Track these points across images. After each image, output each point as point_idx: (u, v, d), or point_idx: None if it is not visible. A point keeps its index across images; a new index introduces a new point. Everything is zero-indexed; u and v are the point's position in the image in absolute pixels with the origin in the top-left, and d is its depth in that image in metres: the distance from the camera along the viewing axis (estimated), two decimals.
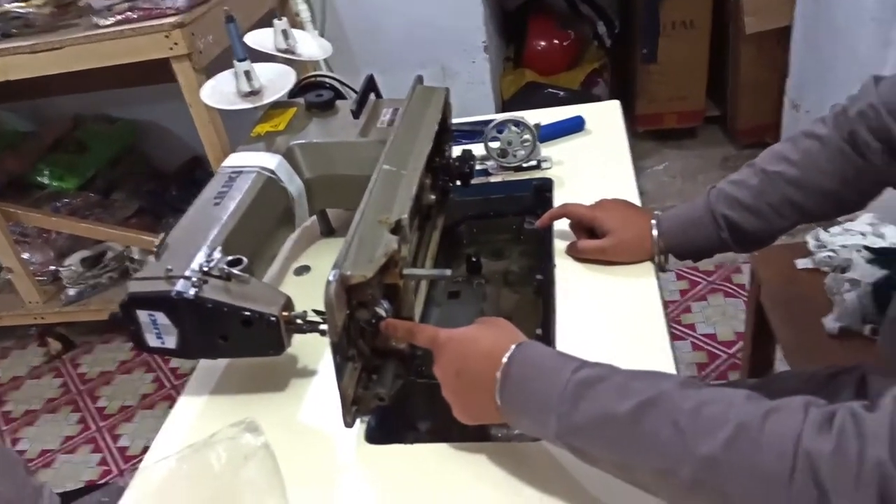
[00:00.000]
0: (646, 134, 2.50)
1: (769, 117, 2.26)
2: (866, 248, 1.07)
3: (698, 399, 0.50)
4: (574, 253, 0.88)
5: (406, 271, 0.69)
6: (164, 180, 2.48)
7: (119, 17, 1.61)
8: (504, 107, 2.29)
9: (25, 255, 2.08)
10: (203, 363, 0.85)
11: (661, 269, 0.85)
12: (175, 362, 2.03)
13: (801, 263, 1.15)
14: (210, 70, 1.64)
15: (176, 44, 1.58)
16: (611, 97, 2.47)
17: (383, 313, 0.68)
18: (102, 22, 1.62)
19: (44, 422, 2.00)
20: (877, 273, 1.01)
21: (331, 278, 0.62)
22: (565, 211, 0.89)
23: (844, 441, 0.43)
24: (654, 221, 0.84)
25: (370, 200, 0.74)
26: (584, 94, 2.29)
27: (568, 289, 0.84)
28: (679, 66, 2.32)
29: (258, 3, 1.87)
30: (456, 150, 1.00)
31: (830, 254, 1.11)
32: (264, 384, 0.80)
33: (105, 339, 2.18)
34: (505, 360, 0.59)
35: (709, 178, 2.33)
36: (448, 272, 0.69)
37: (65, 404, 2.03)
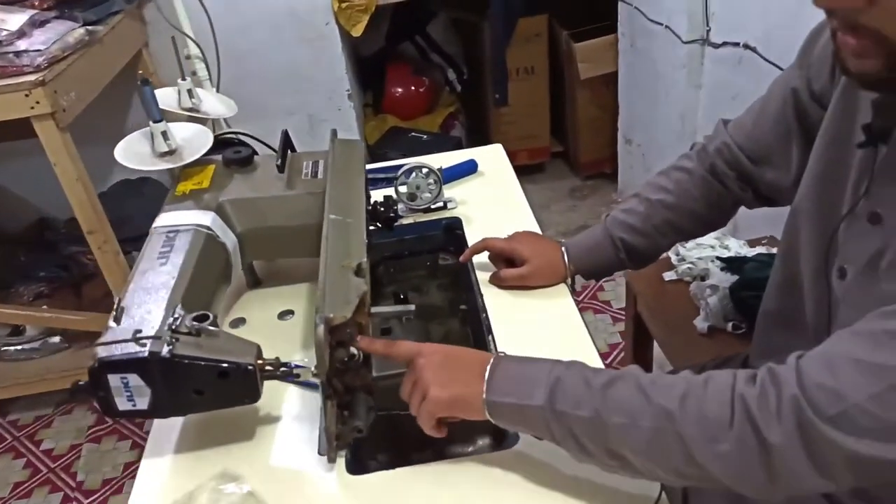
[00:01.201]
0: None
1: (606, 151, 2.55)
2: (718, 258, 1.29)
3: (655, 375, 0.64)
4: (497, 282, 0.99)
5: (374, 310, 0.75)
6: (10, 245, 2.28)
7: None
8: (370, 151, 2.38)
9: None
10: (156, 426, 0.85)
11: (572, 289, 0.98)
12: (47, 442, 1.86)
13: (668, 276, 1.35)
14: (73, 127, 1.59)
15: (38, 102, 1.51)
16: (468, 138, 2.68)
17: (355, 351, 0.74)
18: None
19: None
20: (730, 278, 1.23)
21: (318, 321, 0.67)
22: (485, 245, 0.99)
23: (766, 387, 0.58)
24: (563, 249, 0.97)
25: (328, 248, 0.79)
26: (445, 137, 2.45)
27: (497, 314, 0.94)
28: (525, 108, 2.55)
29: (112, 63, 1.83)
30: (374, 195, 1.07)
31: (690, 266, 1.32)
32: (229, 435, 0.81)
33: None
34: (495, 354, 0.70)
35: (560, 206, 2.57)
36: (412, 307, 0.77)
37: None
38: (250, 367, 0.73)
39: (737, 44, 1.71)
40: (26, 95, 1.50)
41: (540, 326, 0.91)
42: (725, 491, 0.61)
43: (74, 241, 2.14)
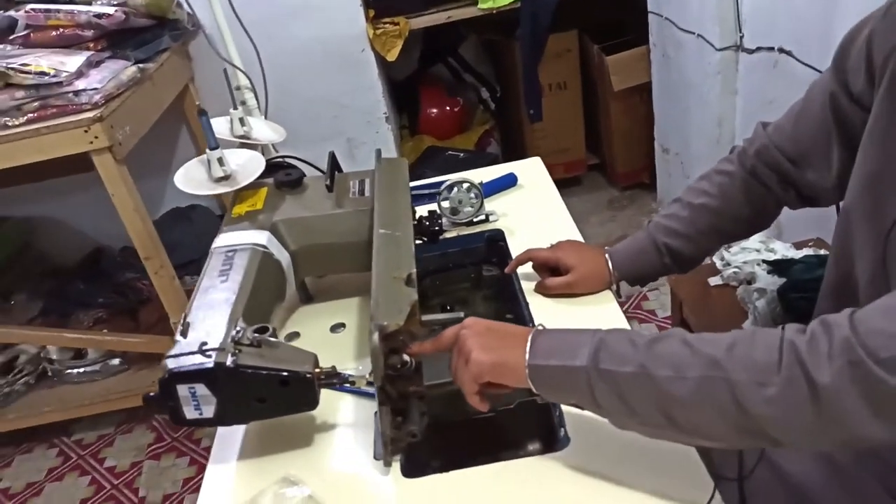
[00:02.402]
0: None
1: (642, 161, 2.55)
2: (764, 261, 1.29)
3: (700, 334, 0.64)
4: (542, 290, 1.01)
5: (425, 318, 0.78)
6: (66, 276, 2.38)
7: (31, 116, 1.61)
8: (411, 171, 2.43)
9: None
10: (220, 434, 0.89)
11: (618, 295, 1.00)
12: (110, 460, 1.93)
13: (713, 281, 1.35)
14: (127, 160, 1.67)
15: (96, 137, 1.59)
16: (504, 154, 2.71)
17: (407, 358, 0.77)
18: (12, 122, 1.60)
19: None
20: (777, 281, 1.22)
21: (373, 329, 0.71)
22: (529, 255, 1.02)
23: (816, 333, 0.57)
24: (607, 256, 0.99)
25: (379, 261, 0.83)
26: (481, 154, 2.49)
27: (544, 322, 0.96)
28: (558, 122, 2.58)
29: (162, 97, 1.92)
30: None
31: (735, 270, 1.32)
32: (289, 442, 0.85)
33: (24, 448, 2.03)
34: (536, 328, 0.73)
35: (599, 218, 2.58)
36: (462, 314, 0.80)
37: None
38: (308, 376, 0.77)
39: (771, 48, 1.71)
40: (85, 131, 1.58)
41: None
42: (774, 446, 0.61)
43: (129, 269, 2.24)
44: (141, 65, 1.83)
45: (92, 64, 1.70)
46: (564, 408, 0.82)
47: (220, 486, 0.82)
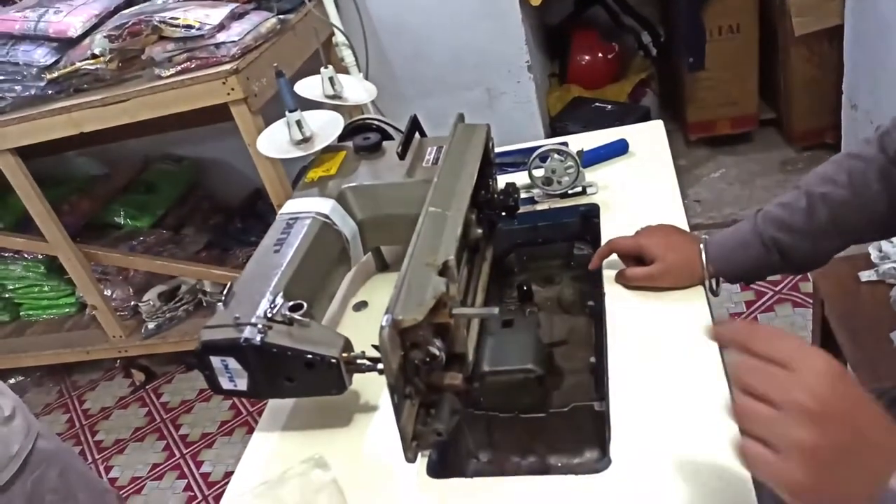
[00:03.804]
0: (699, 141, 2.47)
1: (827, 118, 2.20)
2: None
3: None
4: (623, 281, 0.89)
5: (455, 311, 0.72)
6: (229, 214, 2.59)
7: (179, 68, 1.71)
8: (551, 123, 2.30)
9: (107, 293, 2.21)
10: (273, 401, 0.90)
11: (713, 293, 0.86)
12: None
13: (865, 276, 1.13)
14: (265, 111, 1.73)
15: (233, 89, 1.67)
16: (660, 107, 2.48)
17: (436, 352, 0.71)
18: (164, 73, 1.72)
19: (132, 450, 2.11)
20: None
21: (384, 323, 0.66)
22: (611, 247, 0.90)
23: None
24: (702, 246, 0.85)
25: (417, 244, 0.77)
26: (631, 106, 2.28)
27: (619, 316, 0.86)
28: (728, 71, 2.29)
29: (302, 49, 1.95)
30: (501, 180, 1.03)
31: (894, 265, 1.09)
32: (330, 420, 0.84)
33: (183, 368, 2.29)
34: None
35: (768, 181, 2.28)
36: (496, 310, 0.72)
37: (150, 433, 2.15)
38: (334, 360, 0.74)
39: None
40: (223, 83, 1.66)
41: (663, 337, 0.81)
42: None
43: None
44: (283, 16, 1.87)
45: (235, 16, 1.77)
46: (613, 425, 0.73)
47: (260, 453, 0.83)
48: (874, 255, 1.14)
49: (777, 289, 1.89)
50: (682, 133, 2.51)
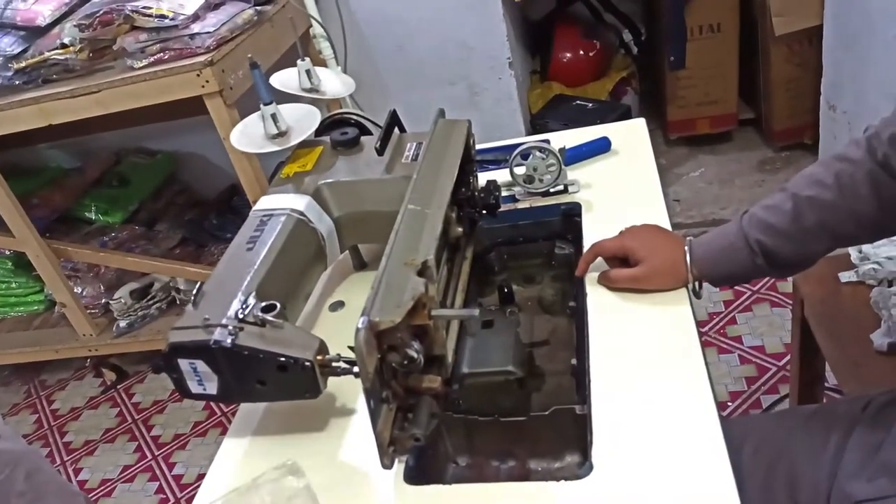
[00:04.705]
0: (679, 140, 2.47)
1: (805, 118, 2.21)
2: None
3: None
4: (606, 283, 0.88)
5: (434, 312, 0.69)
6: (205, 209, 2.54)
7: (152, 59, 1.67)
8: (532, 121, 2.28)
9: (77, 290, 2.16)
10: (245, 404, 0.87)
11: (696, 295, 0.84)
12: None
13: (845, 276, 1.12)
14: (241, 104, 1.69)
15: (207, 82, 1.62)
16: (640, 105, 2.47)
17: (414, 354, 0.69)
18: (136, 64, 1.67)
19: (102, 451, 2.06)
20: None
21: (360, 325, 0.63)
22: (595, 251, 0.88)
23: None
24: (686, 248, 0.83)
25: (396, 242, 0.75)
26: (612, 104, 2.27)
27: (601, 317, 0.84)
28: (708, 70, 2.28)
29: (279, 41, 1.90)
30: (482, 178, 1.01)
31: (875, 266, 1.08)
32: (304, 424, 0.81)
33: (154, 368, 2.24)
34: None
35: (746, 181, 2.29)
36: (476, 312, 0.70)
37: (121, 433, 2.09)
38: (308, 363, 0.72)
39: None
40: (197, 75, 1.62)
41: (645, 340, 0.79)
42: None
43: None
44: (259, 7, 1.83)
45: (210, 6, 1.72)
46: (596, 430, 0.71)
47: (231, 459, 0.81)
48: (854, 256, 1.13)
49: (755, 289, 1.90)
50: (662, 132, 2.51)
